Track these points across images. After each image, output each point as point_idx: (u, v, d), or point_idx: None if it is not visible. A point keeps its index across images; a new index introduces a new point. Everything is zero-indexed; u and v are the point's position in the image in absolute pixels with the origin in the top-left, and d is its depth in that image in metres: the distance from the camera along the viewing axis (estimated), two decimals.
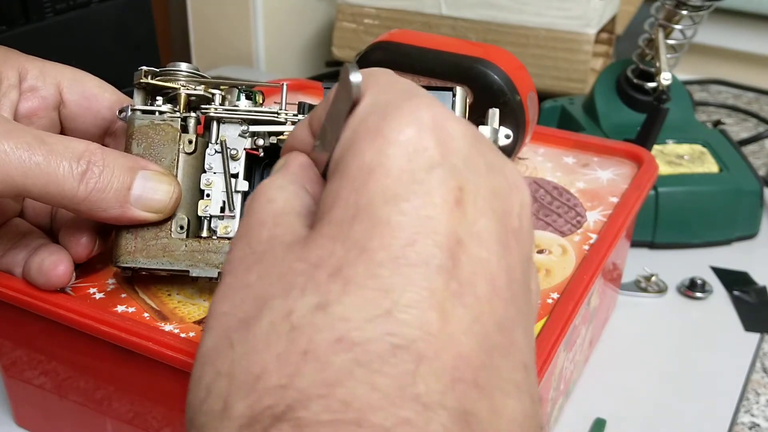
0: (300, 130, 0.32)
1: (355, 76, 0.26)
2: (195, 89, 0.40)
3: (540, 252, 0.47)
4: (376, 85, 0.28)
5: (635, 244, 0.69)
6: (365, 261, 0.24)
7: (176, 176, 0.39)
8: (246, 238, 0.27)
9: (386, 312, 0.23)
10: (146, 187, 0.38)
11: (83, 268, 0.42)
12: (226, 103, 0.40)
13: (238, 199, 0.40)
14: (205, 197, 0.40)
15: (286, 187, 0.29)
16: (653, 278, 0.65)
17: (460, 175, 0.25)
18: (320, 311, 0.23)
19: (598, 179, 0.55)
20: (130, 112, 0.40)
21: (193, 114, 0.40)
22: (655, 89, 0.73)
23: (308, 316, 0.23)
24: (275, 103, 0.41)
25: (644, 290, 0.65)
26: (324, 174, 0.30)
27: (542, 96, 0.72)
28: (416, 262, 0.24)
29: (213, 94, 0.40)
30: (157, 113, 0.40)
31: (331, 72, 1.08)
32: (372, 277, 0.23)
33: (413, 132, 0.25)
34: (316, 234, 0.25)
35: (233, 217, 0.40)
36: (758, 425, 0.52)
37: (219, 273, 0.39)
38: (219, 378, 0.24)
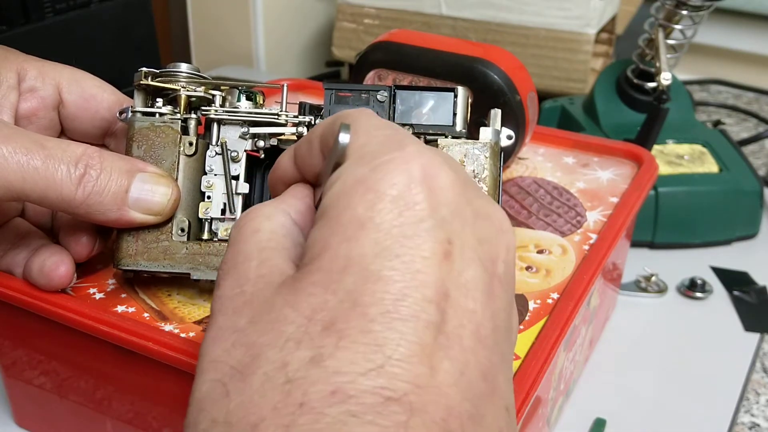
0: (285, 164, 0.33)
1: (344, 137, 0.27)
2: (195, 90, 0.40)
3: (540, 252, 0.47)
4: (364, 131, 0.28)
5: (635, 244, 0.69)
6: (358, 316, 0.24)
7: (176, 178, 0.39)
8: (234, 274, 0.28)
9: (379, 366, 0.24)
10: (144, 190, 0.38)
11: (83, 269, 0.42)
12: (227, 104, 0.40)
13: (239, 201, 0.40)
14: (205, 199, 0.40)
15: (274, 216, 0.29)
16: (653, 278, 0.65)
17: (448, 227, 0.26)
18: (315, 365, 0.24)
19: (598, 179, 0.55)
20: (130, 114, 0.40)
21: (193, 115, 0.40)
22: (655, 89, 0.73)
23: (303, 370, 0.24)
24: (276, 102, 0.41)
25: (644, 290, 0.65)
26: (316, 207, 0.31)
27: (542, 96, 0.72)
28: (407, 317, 0.24)
29: (213, 96, 0.40)
30: (157, 115, 0.40)
31: (331, 72, 1.08)
32: (365, 332, 0.24)
33: (404, 186, 0.26)
34: (306, 280, 0.26)
35: (234, 219, 0.40)
36: (758, 425, 0.52)
37: None
38: (215, 426, 0.24)
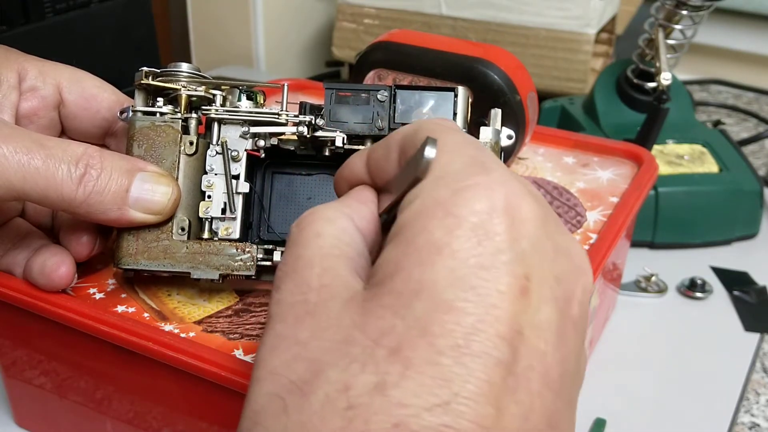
0: (357, 165, 0.31)
1: (429, 152, 0.26)
2: (196, 90, 0.40)
3: None
4: (450, 148, 0.27)
5: (635, 244, 0.69)
6: (426, 345, 0.23)
7: (177, 178, 0.39)
8: (294, 278, 0.27)
9: (445, 402, 0.23)
10: (144, 189, 0.38)
11: (83, 269, 0.42)
12: (227, 103, 0.40)
13: (239, 200, 0.40)
14: (206, 199, 0.40)
15: (336, 220, 0.28)
16: (653, 278, 0.65)
17: (527, 262, 0.25)
18: (379, 393, 0.23)
19: (598, 179, 0.55)
20: (131, 113, 0.40)
21: (194, 115, 0.40)
22: (655, 89, 0.73)
23: (366, 396, 0.23)
24: (276, 102, 0.41)
25: (644, 290, 0.65)
26: (385, 215, 0.30)
27: (542, 96, 0.72)
28: (478, 353, 0.23)
29: (214, 95, 0.40)
30: (158, 114, 0.40)
31: (331, 72, 1.08)
32: (432, 364, 0.23)
33: (486, 214, 0.25)
34: (376, 302, 0.25)
35: (234, 218, 0.40)
36: (758, 425, 0.52)
37: (220, 275, 0.39)
38: None
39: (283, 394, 0.24)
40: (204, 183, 0.40)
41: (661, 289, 0.65)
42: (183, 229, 0.39)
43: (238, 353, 0.37)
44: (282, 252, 0.37)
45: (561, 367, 0.25)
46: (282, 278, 0.27)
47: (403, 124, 0.39)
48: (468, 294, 0.24)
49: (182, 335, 0.38)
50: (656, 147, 0.72)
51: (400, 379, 0.23)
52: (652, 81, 0.75)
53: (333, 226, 0.28)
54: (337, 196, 0.32)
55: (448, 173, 0.26)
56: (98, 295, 0.41)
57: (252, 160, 0.41)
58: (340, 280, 0.27)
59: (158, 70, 0.40)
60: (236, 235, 0.39)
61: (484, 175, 0.26)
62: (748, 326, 0.61)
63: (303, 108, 0.40)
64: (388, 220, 0.30)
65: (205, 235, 0.40)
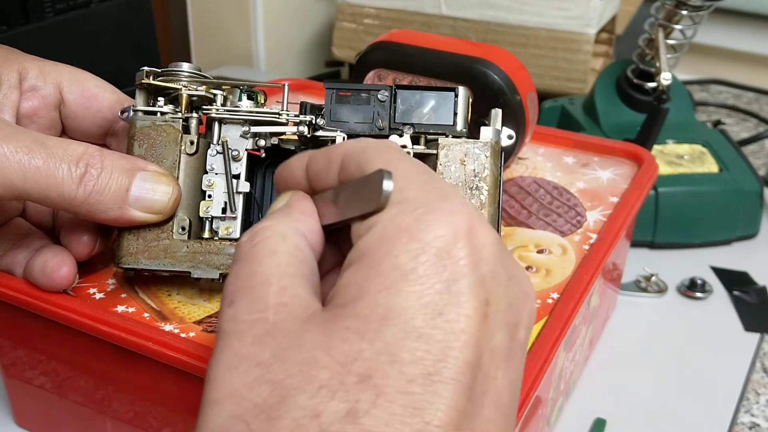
0: (296, 168, 0.32)
1: (387, 185, 0.27)
2: (196, 90, 0.40)
3: (540, 252, 0.47)
4: (401, 176, 0.27)
5: (635, 244, 0.69)
6: (396, 373, 0.24)
7: (177, 177, 0.39)
8: (250, 295, 0.27)
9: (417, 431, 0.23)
10: (145, 188, 0.38)
11: (84, 268, 0.42)
12: (228, 103, 0.40)
13: (239, 200, 0.40)
14: (206, 198, 0.40)
15: (289, 237, 0.29)
16: (653, 278, 0.65)
17: (487, 288, 0.26)
18: (350, 421, 0.23)
19: (598, 179, 0.55)
20: (131, 113, 0.40)
21: (194, 114, 0.40)
22: (655, 89, 0.73)
23: (338, 424, 0.23)
24: (277, 102, 0.41)
25: (644, 290, 0.65)
26: (324, 227, 0.30)
27: (542, 96, 0.72)
28: (447, 380, 0.24)
29: (214, 95, 0.40)
30: (158, 114, 0.40)
31: (331, 72, 1.08)
32: (403, 393, 0.23)
33: (449, 239, 0.26)
34: (339, 324, 0.25)
35: (235, 218, 0.40)
36: (758, 425, 0.52)
37: (221, 274, 0.39)
38: None
39: (248, 418, 0.24)
40: (204, 182, 0.40)
41: (661, 289, 0.65)
42: (183, 229, 0.39)
43: None
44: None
45: (509, 392, 0.26)
46: (236, 293, 0.27)
47: (404, 124, 0.39)
48: (437, 320, 0.24)
49: (182, 335, 0.38)
50: (656, 147, 0.72)
51: (372, 407, 0.23)
52: (652, 81, 0.75)
53: (287, 244, 0.28)
54: (277, 192, 0.33)
55: (407, 200, 0.27)
56: (98, 295, 0.41)
57: (252, 160, 0.41)
58: (298, 299, 0.27)
59: (159, 70, 0.40)
60: (237, 234, 0.39)
61: (443, 201, 0.26)
62: (748, 326, 0.61)
63: (303, 108, 0.41)
64: (329, 231, 0.31)
65: (206, 235, 0.40)
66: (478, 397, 0.25)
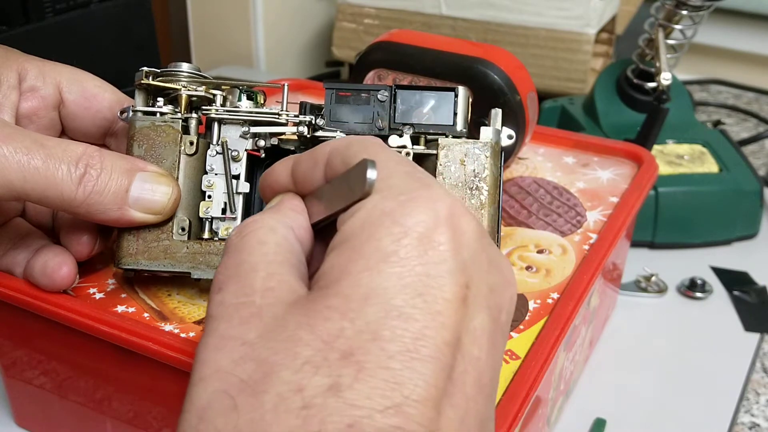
0: (281, 173, 0.33)
1: (372, 173, 0.27)
2: (196, 90, 0.40)
3: (540, 252, 0.47)
4: (385, 164, 0.28)
5: (635, 244, 0.69)
6: (377, 350, 0.24)
7: (177, 178, 0.39)
8: (237, 282, 0.28)
9: (396, 405, 0.24)
10: (144, 189, 0.38)
11: (83, 268, 0.42)
12: (228, 103, 0.40)
13: (239, 200, 0.40)
14: (206, 198, 0.40)
15: (278, 230, 0.30)
16: (653, 278, 0.65)
17: (467, 272, 0.27)
18: (333, 394, 0.24)
19: (598, 179, 0.55)
20: (131, 113, 0.40)
21: (194, 115, 0.40)
22: (655, 89, 0.73)
23: (321, 397, 0.24)
24: (277, 102, 0.41)
25: (644, 290, 0.65)
26: (313, 225, 0.31)
27: (542, 96, 0.72)
28: (425, 357, 0.24)
29: (214, 95, 0.40)
30: (158, 114, 0.40)
31: (331, 72, 1.08)
32: (384, 368, 0.24)
33: (430, 224, 0.26)
34: (321, 303, 0.26)
35: (234, 218, 0.40)
36: (758, 425, 0.52)
37: None
38: None
39: (233, 393, 0.25)
40: (204, 183, 0.40)
41: (661, 289, 0.65)
42: (183, 229, 0.39)
43: None
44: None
45: (491, 371, 0.27)
46: (224, 281, 0.28)
47: (404, 124, 0.39)
48: (416, 301, 0.25)
49: (182, 335, 0.38)
50: (656, 147, 0.72)
51: (354, 382, 0.24)
52: (652, 81, 0.75)
53: (276, 235, 0.29)
54: (263, 200, 0.34)
55: (391, 187, 0.28)
56: (98, 295, 0.41)
57: (252, 160, 0.41)
58: (285, 284, 0.27)
59: (158, 70, 0.40)
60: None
61: (425, 189, 0.27)
62: (748, 326, 0.61)
63: (303, 108, 0.41)
64: (318, 230, 0.32)
65: (206, 235, 0.40)
66: (459, 376, 0.25)
